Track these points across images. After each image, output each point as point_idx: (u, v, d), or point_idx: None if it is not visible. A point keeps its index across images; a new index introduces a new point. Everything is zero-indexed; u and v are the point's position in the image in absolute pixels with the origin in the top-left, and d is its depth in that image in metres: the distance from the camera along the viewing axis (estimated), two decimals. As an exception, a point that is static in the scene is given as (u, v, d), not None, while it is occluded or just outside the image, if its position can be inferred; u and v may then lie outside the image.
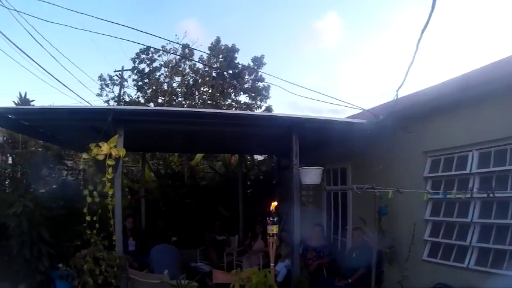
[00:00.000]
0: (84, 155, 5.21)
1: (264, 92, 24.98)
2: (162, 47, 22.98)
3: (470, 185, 5.47)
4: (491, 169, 5.36)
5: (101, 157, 4.95)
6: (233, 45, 24.17)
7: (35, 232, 6.77)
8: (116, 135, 5.23)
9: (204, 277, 8.63)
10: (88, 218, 5.44)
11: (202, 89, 24.77)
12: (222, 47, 24.04)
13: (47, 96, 24.64)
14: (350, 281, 7.11)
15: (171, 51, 23.57)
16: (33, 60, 10.72)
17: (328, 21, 41.83)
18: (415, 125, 6.46)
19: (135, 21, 43.51)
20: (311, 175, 6.91)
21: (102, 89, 25.81)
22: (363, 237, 7.34)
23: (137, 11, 45.17)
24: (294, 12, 47.46)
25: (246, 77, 25.24)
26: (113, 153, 4.99)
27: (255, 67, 24.81)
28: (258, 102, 25.05)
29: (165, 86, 24.69)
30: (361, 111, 7.63)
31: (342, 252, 8.62)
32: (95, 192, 5.36)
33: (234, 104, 25.08)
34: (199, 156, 14.92)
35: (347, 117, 8.18)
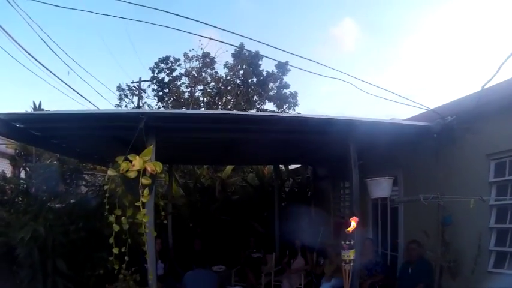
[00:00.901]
0: (110, 171, 3.86)
1: (291, 99, 23.86)
2: (184, 54, 22.80)
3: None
4: None
5: (132, 174, 3.66)
6: (257, 52, 23.31)
7: (49, 262, 5.68)
8: (151, 146, 3.92)
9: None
10: (115, 250, 4.18)
11: (225, 97, 23.75)
12: (246, 54, 23.13)
13: (64, 107, 23.80)
14: None
15: (195, 58, 23.01)
16: (48, 70, 10.00)
17: (343, 28, 40.77)
18: (478, 126, 5.91)
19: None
20: (382, 187, 6.48)
21: (121, 99, 25.14)
22: (420, 251, 6.73)
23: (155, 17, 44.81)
24: (308, 18, 46.50)
25: (271, 84, 24.33)
26: (149, 169, 3.72)
27: (280, 74, 24.07)
28: (286, 110, 23.91)
29: (186, 95, 23.78)
30: (424, 110, 6.71)
31: (393, 267, 8.02)
32: (123, 218, 4.09)
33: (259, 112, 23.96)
34: (229, 168, 13.91)
35: (405, 119, 7.20)
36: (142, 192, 3.70)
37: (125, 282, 4.62)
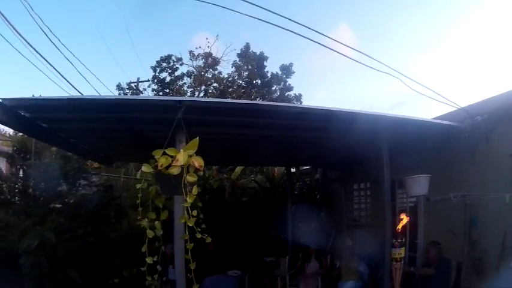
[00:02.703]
0: (145, 168, 3.21)
1: (295, 101, 23.47)
2: (190, 52, 22.65)
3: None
4: None
5: (175, 170, 3.01)
6: (261, 53, 22.99)
7: (60, 273, 5.01)
8: (197, 139, 3.25)
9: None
10: (149, 260, 3.56)
11: (230, 97, 23.24)
12: (252, 54, 22.77)
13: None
14: None
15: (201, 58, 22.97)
16: (50, 65, 9.46)
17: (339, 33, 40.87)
18: (502, 127, 6.11)
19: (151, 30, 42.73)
20: (421, 184, 6.40)
21: None
22: (440, 252, 6.70)
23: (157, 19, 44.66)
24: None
25: (274, 86, 24.00)
26: (196, 164, 3.08)
27: (283, 76, 23.81)
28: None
29: (188, 95, 23.28)
30: (455, 108, 6.67)
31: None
32: (156, 222, 3.46)
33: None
34: (238, 169, 13.50)
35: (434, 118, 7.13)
36: (190, 191, 3.08)
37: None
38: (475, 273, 6.26)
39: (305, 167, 13.85)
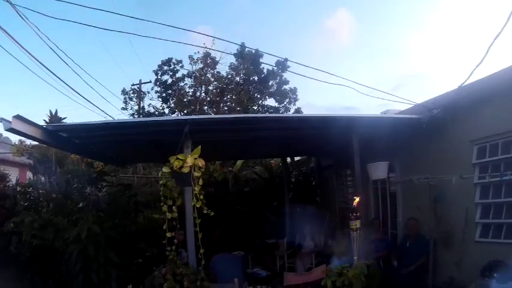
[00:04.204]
0: (164, 169, 4.73)
1: (291, 95, 24.58)
2: (190, 57, 23.35)
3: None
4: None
5: (186, 169, 4.52)
6: (257, 50, 23.93)
7: (101, 255, 6.40)
8: (199, 147, 4.80)
9: (268, 281, 8.67)
10: (169, 234, 5.14)
11: (229, 95, 24.52)
12: (248, 52, 23.84)
13: (72, 112, 24.63)
14: (412, 267, 7.24)
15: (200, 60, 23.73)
16: (57, 77, 10.51)
17: (338, 19, 41.60)
18: (462, 116, 6.74)
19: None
20: (380, 169, 7.37)
21: (126, 102, 25.67)
22: (418, 226, 7.55)
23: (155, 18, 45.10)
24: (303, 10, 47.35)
25: (271, 81, 24.92)
26: (200, 164, 4.58)
27: (279, 71, 24.36)
28: (287, 105, 24.61)
29: (190, 95, 24.44)
30: (411, 105, 7.77)
31: (394, 243, 8.74)
32: (174, 207, 4.93)
33: (260, 109, 24.70)
34: (239, 163, 14.73)
35: (397, 113, 8.15)
36: (198, 182, 4.54)
37: (175, 263, 5.36)
38: (443, 246, 6.97)
39: (300, 157, 14.74)
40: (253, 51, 23.46)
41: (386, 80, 54.90)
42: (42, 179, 10.29)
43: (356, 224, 6.02)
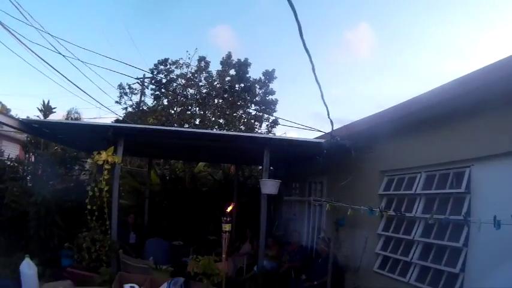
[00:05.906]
0: (89, 160, 6.75)
1: (272, 106, 25.91)
2: (175, 62, 24.55)
3: (416, 205, 5.86)
4: (434, 191, 5.64)
5: (100, 162, 6.50)
6: (245, 60, 25.23)
7: (50, 217, 8.32)
8: (112, 147, 6.79)
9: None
10: (89, 206, 7.04)
11: (216, 100, 25.49)
12: (234, 61, 25.23)
13: (68, 99, 26.36)
14: (316, 283, 7.62)
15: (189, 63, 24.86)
16: (53, 68, 12.09)
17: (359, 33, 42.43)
18: (373, 146, 6.97)
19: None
20: (268, 185, 7.48)
21: (121, 97, 26.72)
22: (328, 246, 7.62)
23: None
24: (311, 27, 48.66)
25: (257, 90, 26.04)
26: (110, 160, 6.54)
27: (266, 81, 25.73)
28: (265, 115, 25.87)
29: (179, 97, 25.58)
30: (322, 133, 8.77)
31: (310, 258, 9.36)
32: (95, 188, 6.85)
33: (243, 116, 25.86)
34: (201, 164, 16.40)
35: (316, 138, 9.20)
36: (107, 172, 6.49)
37: (94, 230, 7.27)
38: (346, 269, 7.26)
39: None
40: (242, 60, 25.13)
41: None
42: (33, 157, 12.18)
43: (226, 227, 6.72)
